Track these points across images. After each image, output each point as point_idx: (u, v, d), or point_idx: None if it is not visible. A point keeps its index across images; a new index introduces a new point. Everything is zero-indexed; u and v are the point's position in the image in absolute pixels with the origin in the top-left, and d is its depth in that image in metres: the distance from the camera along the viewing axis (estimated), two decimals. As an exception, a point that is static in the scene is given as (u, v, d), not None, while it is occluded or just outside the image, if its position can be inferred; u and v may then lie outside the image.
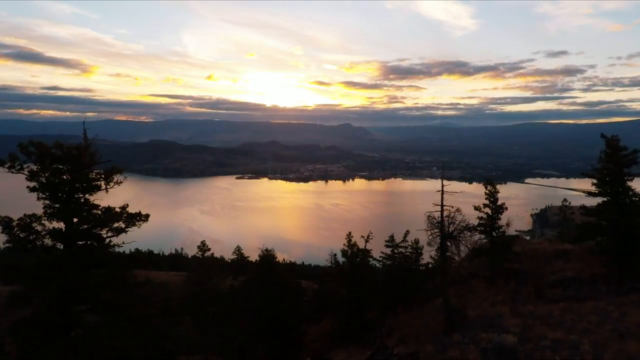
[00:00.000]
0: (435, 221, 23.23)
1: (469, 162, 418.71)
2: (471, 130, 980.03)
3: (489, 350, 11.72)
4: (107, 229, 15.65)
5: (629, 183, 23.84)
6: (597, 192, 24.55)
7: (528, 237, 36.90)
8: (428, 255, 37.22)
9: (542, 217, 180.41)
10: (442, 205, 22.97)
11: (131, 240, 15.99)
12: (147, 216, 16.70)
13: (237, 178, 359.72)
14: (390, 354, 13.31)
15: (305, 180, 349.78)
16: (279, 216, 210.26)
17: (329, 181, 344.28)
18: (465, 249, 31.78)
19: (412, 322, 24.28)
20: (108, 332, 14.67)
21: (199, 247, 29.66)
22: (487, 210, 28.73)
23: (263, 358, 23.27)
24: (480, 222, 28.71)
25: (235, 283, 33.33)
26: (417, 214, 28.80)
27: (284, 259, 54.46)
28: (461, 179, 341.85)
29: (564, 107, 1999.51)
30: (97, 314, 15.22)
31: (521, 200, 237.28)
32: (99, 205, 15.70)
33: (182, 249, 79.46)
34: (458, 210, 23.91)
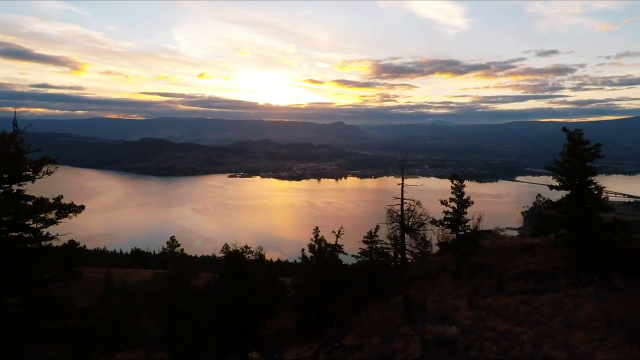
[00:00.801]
0: (396, 215, 23.48)
1: (460, 160, 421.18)
2: (463, 129, 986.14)
3: (430, 342, 12.08)
4: (35, 219, 15.43)
5: (592, 177, 24.18)
6: (559, 185, 24.95)
7: (501, 232, 37.04)
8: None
9: (532, 215, 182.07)
10: (402, 199, 23.20)
11: (67, 232, 16.19)
12: (81, 207, 16.64)
13: (229, 176, 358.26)
14: (337, 347, 13.49)
15: (298, 178, 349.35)
16: (272, 214, 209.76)
17: (322, 179, 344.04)
18: (423, 242, 32.28)
19: (374, 317, 24.61)
20: (31, 325, 14.56)
21: (168, 242, 29.30)
22: (453, 204, 28.95)
23: (216, 353, 23.33)
24: (447, 216, 28.94)
25: (211, 279, 33.45)
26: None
27: (271, 258, 54.30)
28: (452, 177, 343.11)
29: (555, 106, 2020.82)
30: (26, 306, 15.11)
31: (512, 198, 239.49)
32: (33, 197, 15.54)
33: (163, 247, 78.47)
34: (418, 203, 24.21)
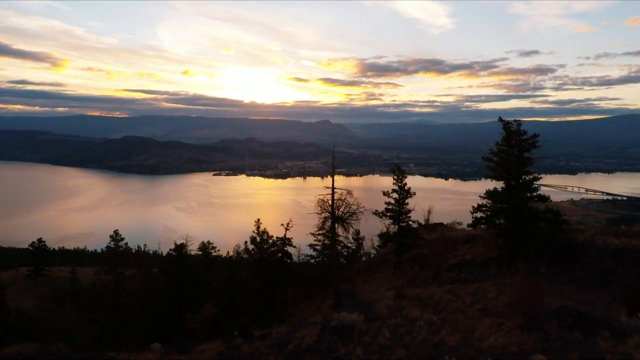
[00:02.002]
0: (326, 204, 23.30)
1: (445, 158, 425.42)
2: (448, 128, 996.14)
3: (328, 329, 12.77)
4: None
5: (528, 167, 24.27)
6: (493, 175, 24.99)
7: (459, 226, 37.37)
8: (372, 243, 37.73)
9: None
10: (332, 188, 22.96)
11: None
12: None
13: (214, 175, 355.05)
14: (235, 335, 14.05)
15: (284, 176, 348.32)
16: (257, 212, 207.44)
17: (308, 178, 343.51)
18: (354, 232, 32.22)
19: (307, 308, 24.79)
20: None
21: (111, 236, 28.80)
22: (395, 195, 28.75)
23: (128, 344, 22.92)
24: (388, 207, 28.76)
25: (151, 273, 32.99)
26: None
27: (227, 252, 53.61)
28: (438, 175, 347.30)
29: (537, 105, 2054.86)
30: None
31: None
32: None
33: (145, 245, 76.86)
34: (349, 193, 24.17)
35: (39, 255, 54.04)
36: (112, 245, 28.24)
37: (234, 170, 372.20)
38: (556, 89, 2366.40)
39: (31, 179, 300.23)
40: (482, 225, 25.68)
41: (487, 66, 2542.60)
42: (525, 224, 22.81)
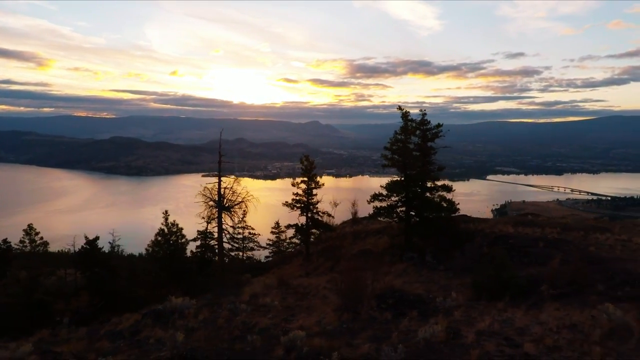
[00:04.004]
0: (212, 193, 23.29)
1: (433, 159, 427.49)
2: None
3: (150, 313, 13.61)
4: None
5: (432, 156, 24.28)
6: (389, 165, 24.97)
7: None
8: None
9: (501, 212, 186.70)
10: (219, 177, 22.99)
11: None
12: None
13: (203, 176, 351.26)
14: (80, 324, 15.37)
15: (273, 177, 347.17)
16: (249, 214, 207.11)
17: (297, 178, 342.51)
18: (240, 221, 32.16)
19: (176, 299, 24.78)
20: None
21: (25, 230, 28.20)
22: (303, 185, 28.36)
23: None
24: (296, 198, 28.47)
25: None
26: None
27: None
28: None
29: (524, 107, 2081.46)
30: None
31: (483, 196, 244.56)
32: None
33: (118, 246, 75.87)
34: (237, 181, 24.25)
35: (5, 257, 52.58)
36: (27, 241, 27.53)
37: (223, 171, 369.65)
38: (542, 90, 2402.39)
39: (16, 180, 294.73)
40: (384, 218, 25.77)
41: (474, 68, 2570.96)
42: (419, 214, 22.93)
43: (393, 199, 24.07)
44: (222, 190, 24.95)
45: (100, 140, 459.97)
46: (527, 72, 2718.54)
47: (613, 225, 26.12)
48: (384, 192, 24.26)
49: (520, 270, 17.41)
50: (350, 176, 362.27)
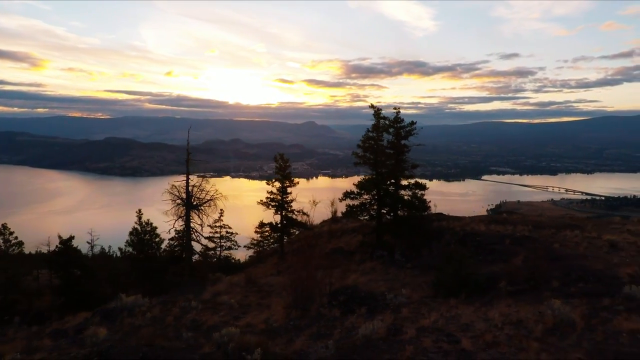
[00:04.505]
0: (178, 192, 23.25)
1: (429, 160, 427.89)
2: (431, 129, 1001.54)
3: (100, 312, 13.70)
4: None
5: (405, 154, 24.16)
6: (360, 162, 24.96)
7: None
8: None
9: (497, 212, 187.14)
10: (187, 175, 23.00)
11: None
12: None
13: (198, 176, 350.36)
14: (38, 323, 15.51)
15: (269, 178, 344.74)
16: (240, 214, 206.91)
17: (293, 179, 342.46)
18: (216, 220, 32.14)
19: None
20: None
21: None
22: (277, 184, 28.27)
23: None
24: (270, 196, 28.43)
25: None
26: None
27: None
28: (422, 176, 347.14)
29: (518, 107, 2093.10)
30: None
31: (478, 197, 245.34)
32: None
33: (109, 247, 75.64)
34: (206, 180, 24.23)
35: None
36: (1, 241, 27.21)
37: (219, 172, 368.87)
38: (536, 91, 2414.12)
39: (10, 181, 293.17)
40: (357, 216, 25.69)
41: (469, 68, 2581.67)
42: (391, 212, 22.88)
43: (365, 197, 23.99)
44: (190, 188, 24.83)
45: (95, 141, 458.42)
46: (522, 73, 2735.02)
47: (586, 222, 26.18)
48: (355, 190, 24.19)
49: (484, 267, 17.39)
50: (347, 176, 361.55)
